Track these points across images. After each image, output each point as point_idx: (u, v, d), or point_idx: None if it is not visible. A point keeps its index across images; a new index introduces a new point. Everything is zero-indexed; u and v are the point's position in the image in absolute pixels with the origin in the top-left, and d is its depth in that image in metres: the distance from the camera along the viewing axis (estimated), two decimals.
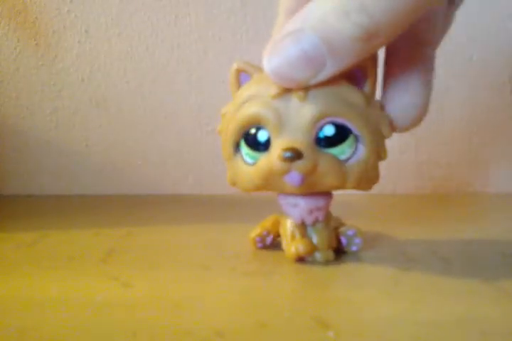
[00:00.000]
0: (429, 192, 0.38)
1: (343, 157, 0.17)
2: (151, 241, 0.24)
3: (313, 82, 0.16)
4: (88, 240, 0.24)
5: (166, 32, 0.36)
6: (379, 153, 0.18)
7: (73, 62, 0.36)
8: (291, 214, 0.19)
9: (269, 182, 0.18)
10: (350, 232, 0.21)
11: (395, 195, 0.37)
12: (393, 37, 0.15)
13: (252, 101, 0.18)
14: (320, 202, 0.19)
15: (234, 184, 0.19)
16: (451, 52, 0.36)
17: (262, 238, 0.21)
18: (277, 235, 0.21)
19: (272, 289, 0.17)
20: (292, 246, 0.19)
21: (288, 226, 0.20)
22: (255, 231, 0.21)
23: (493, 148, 0.38)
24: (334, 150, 0.17)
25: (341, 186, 0.18)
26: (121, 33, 0.36)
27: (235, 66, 0.19)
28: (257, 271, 0.19)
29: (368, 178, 0.18)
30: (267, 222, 0.22)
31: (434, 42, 0.19)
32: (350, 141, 0.17)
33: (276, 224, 0.21)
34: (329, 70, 0.16)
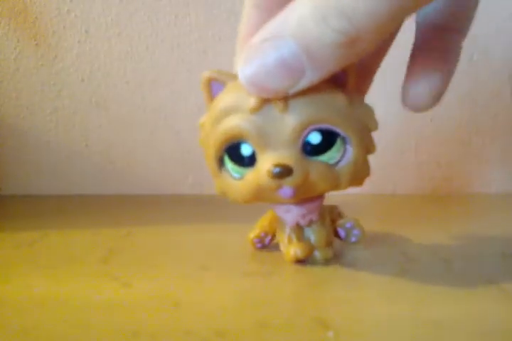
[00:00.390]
0: (429, 192, 0.38)
1: (332, 161, 0.17)
2: (151, 241, 0.24)
3: (292, 91, 0.15)
4: (88, 240, 0.24)
5: (166, 32, 0.36)
6: (368, 148, 0.18)
7: (73, 62, 0.36)
8: (286, 219, 0.19)
9: (260, 196, 0.17)
10: (348, 224, 0.21)
11: (395, 195, 0.37)
12: (377, 42, 0.14)
13: (231, 114, 0.17)
14: (311, 205, 0.19)
15: (224, 195, 0.19)
16: None
17: (261, 239, 0.21)
18: (275, 234, 0.21)
19: (272, 289, 0.17)
20: (290, 250, 0.19)
21: (284, 229, 0.20)
22: (253, 232, 0.21)
23: (493, 148, 0.38)
24: (323, 157, 0.17)
25: (334, 189, 0.18)
26: (121, 33, 0.36)
27: (205, 75, 0.18)
28: (256, 271, 0.19)
29: (359, 175, 0.18)
30: (264, 221, 0.21)
31: (463, 30, 0.19)
32: (338, 144, 0.17)
33: (274, 222, 0.21)
34: (309, 79, 0.15)
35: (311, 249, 0.19)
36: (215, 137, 0.17)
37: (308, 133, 0.16)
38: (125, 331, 0.14)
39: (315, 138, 0.17)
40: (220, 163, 0.18)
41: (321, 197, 0.19)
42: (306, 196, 0.18)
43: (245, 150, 0.17)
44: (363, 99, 0.18)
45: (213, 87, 0.18)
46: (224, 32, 0.36)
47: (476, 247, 0.22)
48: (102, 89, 0.37)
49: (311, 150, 0.17)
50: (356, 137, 0.17)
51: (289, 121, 0.16)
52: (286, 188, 0.16)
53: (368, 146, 0.18)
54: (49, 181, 0.38)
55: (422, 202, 0.36)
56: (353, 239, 0.21)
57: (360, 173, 0.18)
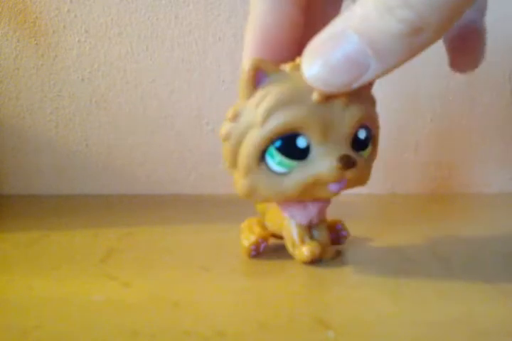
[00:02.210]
0: (429, 192, 0.38)
1: (366, 157, 0.18)
2: (151, 241, 0.24)
3: (355, 85, 0.15)
4: (88, 240, 0.24)
5: (166, 32, 0.36)
6: (377, 147, 0.19)
7: (73, 62, 0.36)
8: (300, 217, 0.19)
9: (305, 191, 0.17)
10: (338, 226, 0.21)
11: (395, 195, 0.37)
12: (442, 32, 0.14)
13: (290, 106, 0.16)
14: (326, 203, 0.19)
15: (249, 196, 0.17)
16: None
17: (257, 246, 0.21)
18: (269, 240, 0.21)
19: (272, 289, 0.17)
20: (305, 249, 0.19)
21: (294, 229, 0.19)
22: (248, 240, 0.20)
23: (493, 148, 0.38)
24: (364, 153, 0.18)
25: (362, 184, 0.19)
26: (121, 33, 0.36)
27: (252, 63, 0.16)
28: (257, 271, 0.19)
29: (369, 174, 0.19)
30: (256, 228, 0.21)
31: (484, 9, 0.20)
32: (371, 142, 0.18)
33: (264, 227, 0.21)
34: (374, 72, 0.15)
35: (323, 247, 0.19)
36: (267, 128, 0.16)
37: (359, 129, 0.17)
38: (125, 331, 0.14)
39: (362, 134, 0.17)
40: (261, 157, 0.17)
41: (329, 202, 0.20)
42: (343, 190, 0.18)
43: (301, 142, 0.17)
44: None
45: (258, 77, 0.17)
46: (224, 32, 0.36)
47: (476, 247, 0.22)
48: (102, 89, 0.37)
49: (357, 145, 0.17)
50: (377, 137, 0.18)
51: (349, 116, 0.17)
52: (343, 182, 0.17)
53: (377, 145, 0.19)
54: (49, 181, 0.38)
55: (422, 202, 0.36)
56: (341, 241, 0.21)
57: (370, 172, 0.19)
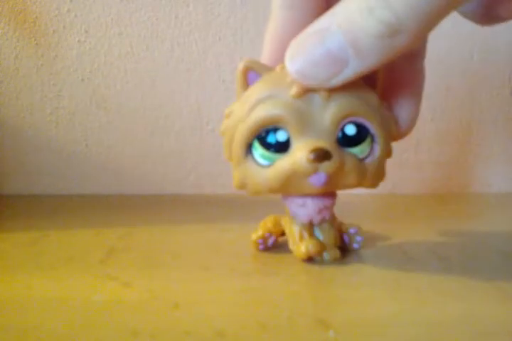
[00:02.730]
0: (429, 192, 0.38)
1: (361, 156, 0.18)
2: (151, 241, 0.24)
3: (334, 81, 0.16)
4: (88, 240, 0.24)
5: (166, 32, 0.36)
6: (388, 151, 0.19)
7: (73, 62, 0.36)
8: (299, 214, 0.19)
9: (288, 184, 0.17)
10: (352, 230, 0.21)
11: (395, 195, 0.37)
12: (419, 36, 0.15)
13: (269, 101, 0.17)
14: (327, 201, 0.19)
15: (242, 187, 0.19)
16: (451, 51, 0.36)
17: (264, 240, 0.21)
18: (279, 236, 0.21)
19: (272, 289, 0.17)
20: (302, 246, 0.19)
21: (295, 226, 0.20)
22: (256, 233, 0.21)
23: (493, 148, 0.38)
24: (355, 150, 0.18)
25: (359, 184, 0.18)
26: (121, 33, 0.36)
27: (243, 64, 0.18)
28: (257, 271, 0.19)
29: (379, 176, 0.19)
30: (268, 223, 0.21)
31: (424, 54, 0.20)
32: (368, 140, 0.18)
33: (277, 224, 0.21)
34: (353, 70, 0.15)
35: (323, 246, 0.19)
36: (249, 122, 0.17)
37: (345, 124, 0.17)
38: (125, 331, 0.14)
39: (351, 130, 0.17)
40: (247, 150, 0.18)
41: (334, 194, 0.19)
42: (333, 189, 0.18)
43: (281, 136, 0.17)
44: (388, 106, 0.19)
45: (249, 76, 0.18)
46: (224, 32, 0.36)
47: (476, 247, 0.22)
48: (102, 89, 0.37)
49: (345, 141, 0.17)
50: (382, 136, 0.18)
51: (330, 110, 0.17)
52: (321, 174, 0.17)
53: (388, 150, 0.19)
54: (49, 181, 0.38)
55: (422, 201, 0.36)
56: (356, 246, 0.21)
57: (379, 174, 0.19)
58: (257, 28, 0.36)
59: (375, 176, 0.18)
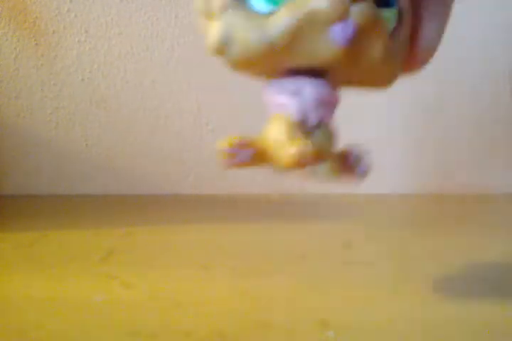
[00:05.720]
0: (430, 192, 0.38)
1: (389, 27, 0.14)
2: (151, 241, 0.24)
3: None
4: (88, 240, 0.24)
5: (166, 32, 0.36)
6: (407, 43, 0.15)
7: (73, 62, 0.36)
8: (291, 107, 0.14)
9: (297, 39, 0.13)
10: (356, 150, 0.15)
11: (395, 195, 0.37)
12: None
13: None
14: (330, 91, 0.14)
15: (222, 50, 0.14)
16: (451, 51, 0.36)
17: (235, 149, 0.15)
18: (259, 154, 0.14)
19: (271, 289, 0.17)
20: (292, 146, 0.13)
21: (281, 126, 0.14)
22: (224, 140, 0.15)
23: (493, 148, 0.38)
24: (386, 13, 0.13)
25: (381, 67, 0.14)
26: (121, 33, 0.36)
27: None
28: (257, 271, 0.19)
29: (396, 69, 0.14)
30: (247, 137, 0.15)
31: None
32: (394, 11, 0.14)
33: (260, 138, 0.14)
34: None
35: (320, 153, 0.14)
36: None
37: None
38: (125, 331, 0.14)
39: None
40: None
41: (337, 89, 0.14)
42: (352, 63, 0.13)
43: None
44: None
45: None
46: None
47: (476, 247, 0.22)
48: (102, 89, 0.37)
49: None
50: (408, 16, 0.14)
51: None
52: (350, 22, 0.12)
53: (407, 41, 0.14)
54: (49, 181, 0.38)
55: (423, 201, 0.36)
56: (362, 169, 0.15)
57: (396, 67, 0.14)
58: None
59: (395, 64, 0.14)
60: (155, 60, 0.36)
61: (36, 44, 0.36)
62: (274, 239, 0.22)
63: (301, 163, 0.13)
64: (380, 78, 0.14)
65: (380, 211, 0.33)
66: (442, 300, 0.16)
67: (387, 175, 0.37)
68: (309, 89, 0.14)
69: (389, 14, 0.13)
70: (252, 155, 0.14)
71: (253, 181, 0.36)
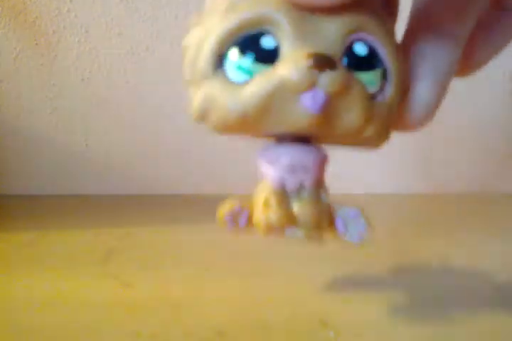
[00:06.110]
0: (430, 192, 0.38)
1: (370, 89, 0.13)
2: (151, 241, 0.24)
3: None
4: (88, 240, 0.24)
5: (166, 32, 0.36)
6: (398, 99, 0.15)
7: (73, 62, 0.36)
8: (269, 174, 0.14)
9: (268, 108, 0.13)
10: (351, 213, 0.15)
11: (395, 195, 0.37)
12: None
13: None
14: (308, 157, 0.14)
15: (203, 117, 0.15)
16: None
17: (234, 215, 0.16)
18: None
19: (272, 289, 0.17)
20: (263, 214, 0.14)
21: (262, 191, 0.15)
22: (224, 207, 0.16)
23: (493, 148, 0.38)
24: (365, 76, 0.13)
25: (361, 130, 0.14)
26: (121, 33, 0.36)
27: None
28: (257, 271, 0.19)
29: (385, 129, 0.15)
30: (244, 197, 0.16)
31: (461, 38, 0.15)
32: (379, 71, 0.14)
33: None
34: None
35: (292, 220, 0.14)
36: (226, 25, 0.13)
37: (355, 41, 0.13)
38: (125, 331, 0.14)
39: (360, 49, 0.13)
40: (218, 63, 0.14)
41: (320, 151, 0.14)
42: (328, 128, 0.13)
43: (267, 42, 0.13)
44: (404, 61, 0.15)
45: None
46: None
47: (476, 247, 0.22)
48: (102, 89, 0.37)
49: (353, 62, 0.13)
50: (397, 75, 0.14)
51: (337, 16, 0.13)
52: (319, 91, 0.12)
53: (399, 96, 0.14)
54: (49, 181, 0.38)
55: (423, 201, 0.36)
56: (355, 238, 0.15)
57: (386, 127, 0.14)
58: None
59: (381, 126, 0.14)
60: (155, 60, 0.36)
61: (36, 44, 0.36)
62: (274, 239, 0.22)
63: (271, 230, 0.14)
64: (366, 139, 0.14)
65: (380, 211, 0.33)
66: (442, 300, 0.16)
67: (387, 175, 0.37)
68: (285, 156, 0.14)
69: (370, 77, 0.13)
70: (248, 218, 0.15)
71: (253, 181, 0.36)
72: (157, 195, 0.37)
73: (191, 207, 0.33)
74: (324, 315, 0.15)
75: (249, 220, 0.15)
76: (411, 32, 0.15)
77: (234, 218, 0.16)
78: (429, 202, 0.35)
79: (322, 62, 0.12)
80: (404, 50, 0.15)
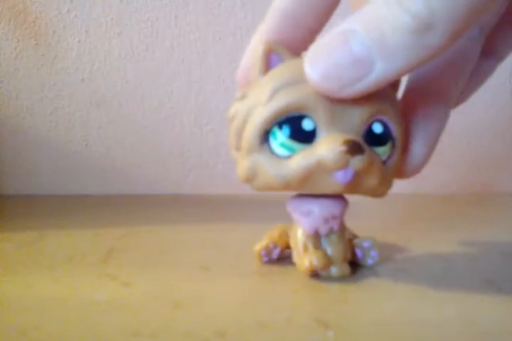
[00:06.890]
0: (430, 192, 0.38)
1: (383, 158, 0.17)
2: (151, 241, 0.24)
3: (358, 86, 0.14)
4: (88, 240, 0.24)
5: (166, 32, 0.36)
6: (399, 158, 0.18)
7: (73, 62, 0.36)
8: (304, 224, 0.18)
9: (307, 179, 0.16)
10: (366, 244, 0.19)
11: (396, 195, 0.37)
12: (452, 36, 0.13)
13: (296, 86, 0.16)
14: (336, 209, 0.18)
15: (249, 180, 0.17)
16: None
17: (268, 251, 0.19)
18: (285, 248, 0.20)
19: (272, 289, 0.17)
20: (305, 259, 0.17)
21: (299, 237, 0.18)
22: (261, 244, 0.20)
23: (493, 148, 0.38)
24: (379, 150, 0.16)
25: (376, 189, 0.17)
26: (121, 33, 0.36)
27: (266, 44, 0.16)
28: (257, 271, 0.19)
29: (390, 182, 0.18)
30: (274, 233, 0.20)
31: (453, 100, 0.18)
32: (390, 143, 0.17)
33: (284, 235, 0.19)
34: (378, 74, 0.14)
35: (329, 260, 0.17)
36: (272, 106, 0.16)
37: (373, 121, 0.16)
38: (125, 331, 0.14)
39: (378, 128, 0.16)
40: (264, 137, 0.16)
41: (344, 202, 0.18)
42: (354, 191, 0.17)
43: (307, 124, 0.16)
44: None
45: (271, 58, 0.17)
46: (224, 32, 0.36)
47: (476, 247, 0.22)
48: (102, 89, 0.37)
49: (371, 140, 0.16)
50: (400, 145, 0.17)
51: (360, 105, 0.16)
52: (349, 170, 0.15)
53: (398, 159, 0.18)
54: (49, 181, 0.38)
55: (423, 201, 0.36)
56: (370, 262, 0.19)
57: (391, 181, 0.18)
58: (256, 28, 0.36)
59: (389, 182, 0.17)
60: (155, 60, 0.36)
61: (36, 44, 0.36)
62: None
63: (314, 271, 0.17)
64: (377, 193, 0.17)
65: (381, 211, 0.33)
66: (443, 300, 0.16)
67: None
68: (318, 210, 0.17)
69: (384, 149, 0.17)
70: (280, 252, 0.20)
71: None
72: (157, 195, 0.37)
73: (191, 207, 0.33)
74: (324, 315, 0.15)
75: (281, 253, 0.20)
76: (407, 103, 0.18)
77: (268, 253, 0.19)
78: (429, 202, 0.35)
79: (354, 148, 0.15)
80: (402, 116, 0.18)
